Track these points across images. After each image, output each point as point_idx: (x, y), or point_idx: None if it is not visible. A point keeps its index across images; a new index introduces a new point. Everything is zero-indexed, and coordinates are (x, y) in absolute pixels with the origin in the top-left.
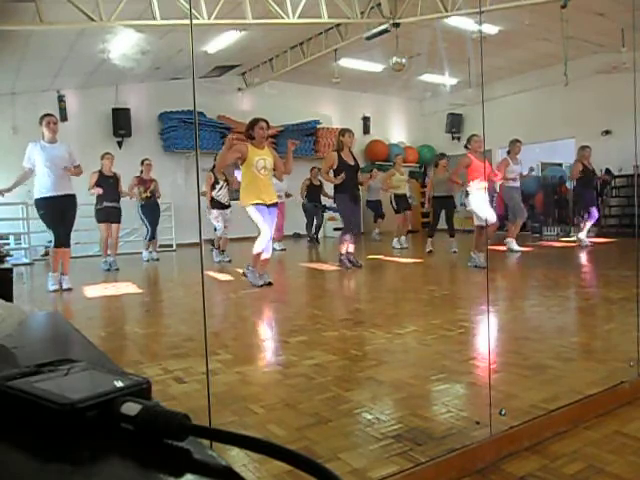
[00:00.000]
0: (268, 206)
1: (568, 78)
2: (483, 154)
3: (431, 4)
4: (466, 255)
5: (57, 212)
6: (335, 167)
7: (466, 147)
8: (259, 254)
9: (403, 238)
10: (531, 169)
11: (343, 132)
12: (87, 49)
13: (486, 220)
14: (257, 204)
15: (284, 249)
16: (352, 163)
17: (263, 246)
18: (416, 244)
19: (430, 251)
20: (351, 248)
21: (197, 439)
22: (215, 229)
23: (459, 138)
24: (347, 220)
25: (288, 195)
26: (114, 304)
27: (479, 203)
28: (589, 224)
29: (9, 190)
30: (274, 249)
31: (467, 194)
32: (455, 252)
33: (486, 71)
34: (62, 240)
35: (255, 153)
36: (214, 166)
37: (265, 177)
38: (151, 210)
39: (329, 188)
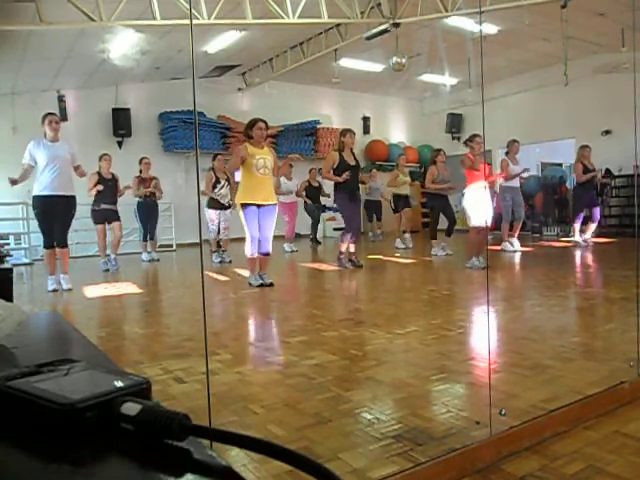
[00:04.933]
0: (261, 206)
1: (568, 78)
2: (483, 155)
3: (431, 4)
4: (465, 255)
5: (52, 212)
6: (336, 167)
7: (465, 144)
8: (251, 258)
9: (407, 237)
10: (525, 170)
11: (344, 132)
12: (87, 49)
13: (486, 221)
14: (247, 205)
15: (295, 250)
16: (353, 163)
17: (250, 247)
18: (416, 244)
19: (448, 254)
20: (352, 248)
21: (197, 439)
22: (209, 230)
23: (459, 138)
24: (348, 219)
25: (299, 194)
26: (114, 304)
27: (476, 204)
28: (593, 226)
29: (17, 182)
30: (285, 251)
31: (464, 195)
32: (439, 255)
33: (486, 71)
34: (56, 240)
35: (255, 152)
36: (213, 166)
37: (264, 177)
38: (147, 210)
39: (328, 188)
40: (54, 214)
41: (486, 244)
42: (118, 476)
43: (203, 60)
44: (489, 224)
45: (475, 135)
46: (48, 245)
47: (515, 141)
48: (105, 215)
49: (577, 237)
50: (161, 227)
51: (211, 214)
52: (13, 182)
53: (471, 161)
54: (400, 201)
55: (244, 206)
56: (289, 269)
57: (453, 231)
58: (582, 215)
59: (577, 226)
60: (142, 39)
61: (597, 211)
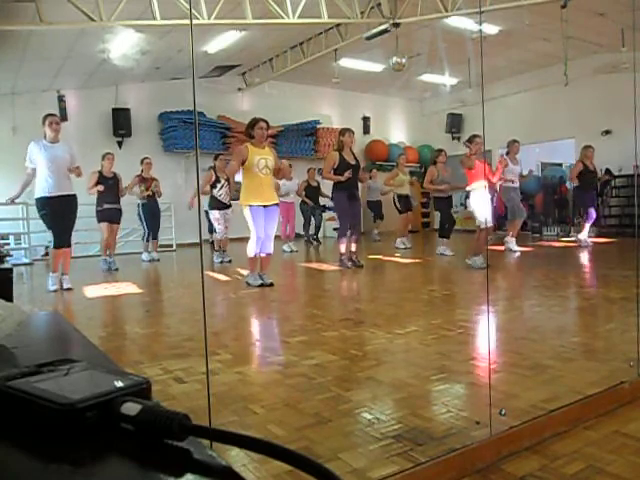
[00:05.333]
0: (266, 207)
1: (568, 78)
2: (483, 155)
3: (431, 4)
4: (465, 255)
5: (58, 212)
6: (337, 166)
7: (465, 144)
8: (253, 257)
9: (406, 238)
10: (531, 171)
11: (343, 132)
12: (87, 49)
13: (486, 221)
14: (252, 205)
15: (295, 250)
16: (353, 162)
17: (254, 248)
18: (416, 244)
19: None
20: (353, 247)
21: (197, 439)
22: (213, 230)
23: (459, 138)
24: (343, 220)
25: (299, 194)
26: (114, 304)
27: (479, 204)
28: (587, 225)
29: (18, 197)
30: (284, 251)
31: (467, 195)
32: (447, 255)
33: (486, 71)
34: (62, 240)
35: (256, 153)
36: (214, 165)
37: (265, 177)
38: (151, 210)
39: (327, 189)
40: (60, 214)
41: (486, 244)
42: (118, 476)
43: (203, 60)
44: (490, 224)
45: (475, 135)
46: (59, 245)
47: (515, 141)
48: (108, 214)
49: (582, 236)
50: (161, 227)
51: (215, 214)
52: (14, 199)
53: (468, 159)
54: (403, 201)
55: (250, 207)
56: (289, 269)
57: (452, 231)
58: (593, 212)
59: (587, 225)
60: (142, 39)
61: (593, 211)
